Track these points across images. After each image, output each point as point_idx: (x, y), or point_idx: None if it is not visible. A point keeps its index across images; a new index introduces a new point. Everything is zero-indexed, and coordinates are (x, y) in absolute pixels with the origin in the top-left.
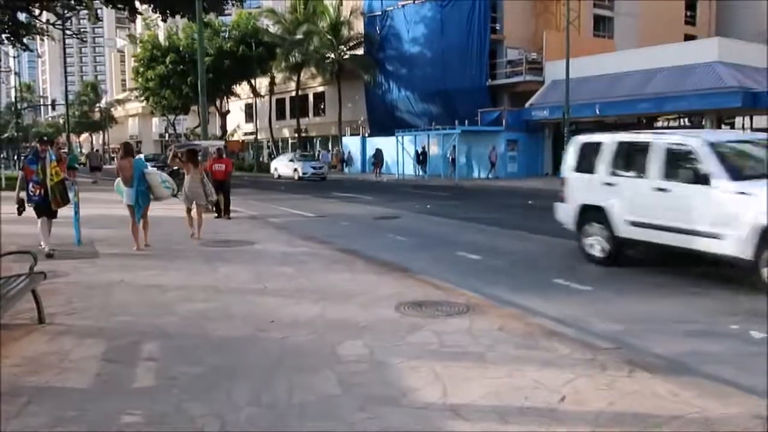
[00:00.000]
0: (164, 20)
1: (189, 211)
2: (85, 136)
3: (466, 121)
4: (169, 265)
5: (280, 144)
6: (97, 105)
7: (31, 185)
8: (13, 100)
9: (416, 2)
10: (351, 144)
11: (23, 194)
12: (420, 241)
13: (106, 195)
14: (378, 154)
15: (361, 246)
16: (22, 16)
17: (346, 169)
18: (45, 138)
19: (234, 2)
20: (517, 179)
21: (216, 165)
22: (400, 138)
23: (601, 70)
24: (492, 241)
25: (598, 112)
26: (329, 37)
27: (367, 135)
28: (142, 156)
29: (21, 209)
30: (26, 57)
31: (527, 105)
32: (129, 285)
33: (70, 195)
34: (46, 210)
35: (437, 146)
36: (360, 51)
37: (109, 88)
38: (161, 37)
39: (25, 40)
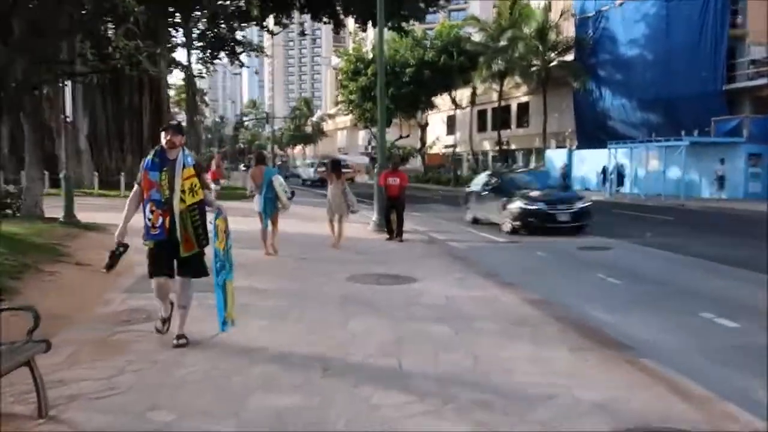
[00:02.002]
0: (363, 30)
1: (331, 221)
2: (298, 148)
3: (696, 131)
4: (290, 311)
5: (480, 157)
6: (310, 119)
7: (149, 209)
8: (238, 114)
9: None
10: (555, 157)
11: (136, 228)
12: (643, 289)
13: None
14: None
15: (559, 291)
16: (239, 35)
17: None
18: (176, 123)
19: (434, 9)
20: (760, 201)
21: (389, 179)
22: (613, 150)
23: None
24: (750, 294)
25: None
26: (535, 42)
27: (574, 147)
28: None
29: (113, 260)
30: (255, 77)
31: None
32: (214, 346)
33: (211, 228)
34: (169, 257)
35: (657, 160)
36: (569, 56)
37: (323, 104)
38: (366, 50)
39: (242, 57)
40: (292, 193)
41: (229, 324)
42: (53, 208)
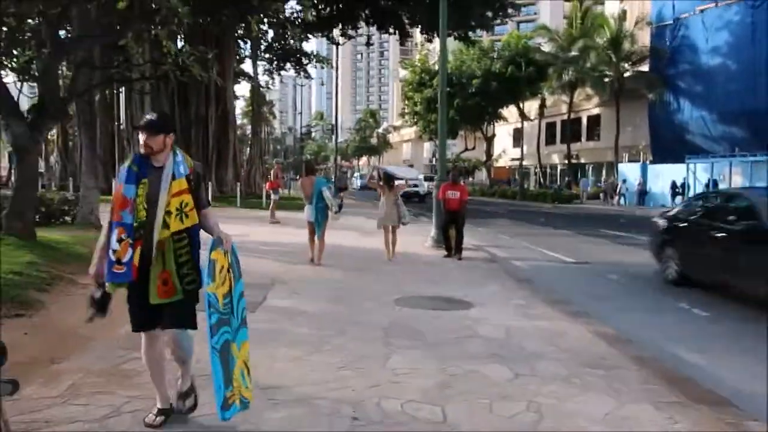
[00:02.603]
0: (429, 41)
1: (386, 232)
2: (363, 159)
3: None
4: (327, 340)
5: (548, 170)
6: (376, 131)
7: (115, 237)
8: (305, 125)
9: (719, 5)
10: (629, 171)
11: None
12: (735, 327)
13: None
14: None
15: (636, 324)
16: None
17: (622, 201)
18: (152, 119)
19: (503, 18)
20: None
21: (449, 192)
22: (691, 165)
23: None
24: None
25: None
26: (608, 52)
27: (648, 161)
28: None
29: (98, 307)
30: (323, 89)
31: None
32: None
33: (206, 272)
34: (139, 307)
35: (741, 176)
36: (644, 67)
37: (389, 116)
38: (432, 62)
39: (309, 69)
40: (340, 206)
41: (236, 407)
42: None
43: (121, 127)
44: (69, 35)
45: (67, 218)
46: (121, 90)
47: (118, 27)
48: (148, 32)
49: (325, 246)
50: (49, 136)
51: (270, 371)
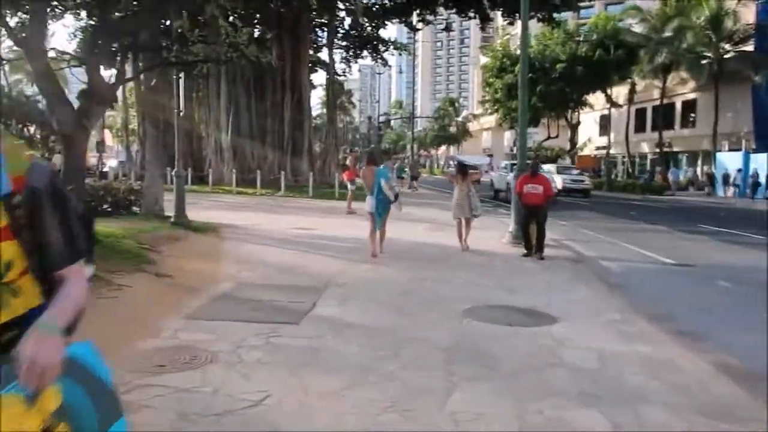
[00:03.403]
0: (511, 24)
1: (459, 223)
2: (442, 149)
3: None
4: (376, 364)
5: (636, 160)
6: (455, 119)
7: None
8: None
9: None
10: (728, 160)
11: None
12: None
13: (422, 211)
14: None
15: (764, 350)
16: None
17: (720, 191)
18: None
19: None
20: None
21: (529, 186)
22: None
23: None
24: None
25: None
26: (707, 32)
27: (751, 150)
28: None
29: None
30: (403, 78)
31: None
32: (253, 416)
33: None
34: None
35: None
36: (748, 47)
37: (469, 104)
38: (513, 47)
39: (386, 56)
40: (396, 196)
41: None
42: (188, 206)
43: (181, 114)
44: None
45: (135, 208)
46: (180, 75)
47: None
48: (201, 11)
49: (386, 235)
50: (130, 125)
51: (297, 411)
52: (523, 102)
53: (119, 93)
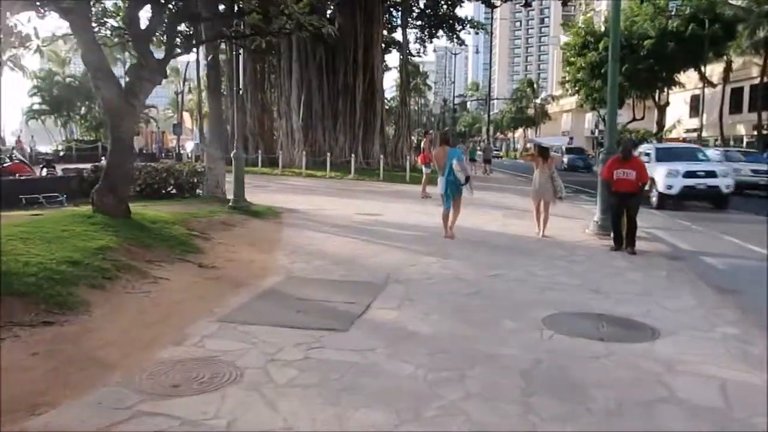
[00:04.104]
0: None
1: (537, 207)
2: (519, 131)
3: None
4: (433, 391)
5: (731, 143)
6: (533, 101)
7: None
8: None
9: None
10: None
11: None
12: None
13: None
14: None
15: None
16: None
17: None
18: None
19: None
20: None
21: (619, 171)
22: None
23: None
24: None
25: None
26: None
27: None
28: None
29: None
30: (480, 59)
31: None
32: None
33: None
34: None
35: None
36: None
37: (548, 85)
38: (598, 22)
39: (461, 35)
40: (467, 179)
41: None
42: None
43: (240, 92)
44: None
45: (199, 191)
46: (239, 51)
47: None
48: None
49: (456, 223)
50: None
51: None
52: (613, 75)
53: (193, 74)
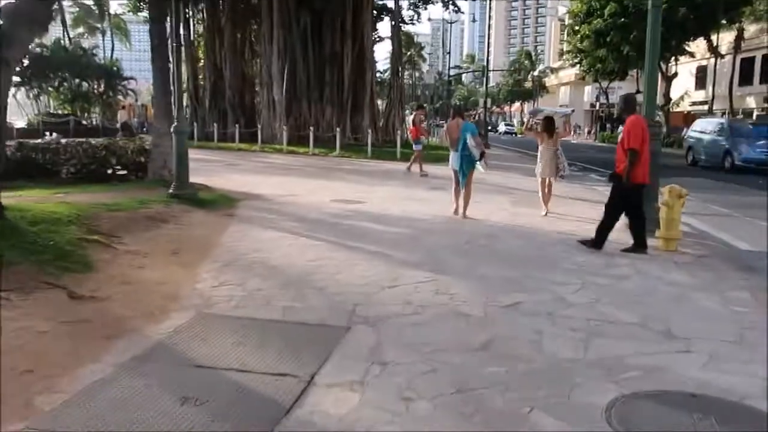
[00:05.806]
0: None
1: (542, 185)
2: (516, 105)
3: None
4: None
5: (740, 116)
6: (531, 74)
7: None
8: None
9: None
10: None
11: None
12: None
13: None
14: None
15: None
16: None
17: None
18: None
19: None
20: None
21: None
22: None
23: None
24: None
25: None
26: None
27: None
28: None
29: None
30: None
31: None
32: None
33: None
34: None
35: None
36: None
37: (545, 58)
38: None
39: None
40: (482, 154)
41: None
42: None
43: (182, 47)
44: None
45: (141, 174)
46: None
47: None
48: None
49: (470, 197)
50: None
51: None
52: (654, 25)
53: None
